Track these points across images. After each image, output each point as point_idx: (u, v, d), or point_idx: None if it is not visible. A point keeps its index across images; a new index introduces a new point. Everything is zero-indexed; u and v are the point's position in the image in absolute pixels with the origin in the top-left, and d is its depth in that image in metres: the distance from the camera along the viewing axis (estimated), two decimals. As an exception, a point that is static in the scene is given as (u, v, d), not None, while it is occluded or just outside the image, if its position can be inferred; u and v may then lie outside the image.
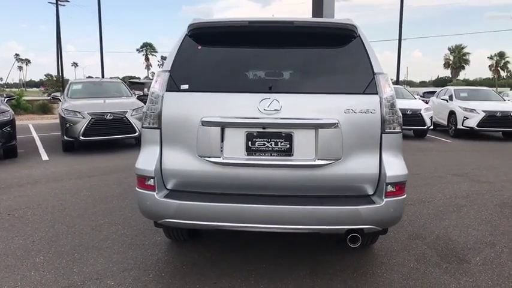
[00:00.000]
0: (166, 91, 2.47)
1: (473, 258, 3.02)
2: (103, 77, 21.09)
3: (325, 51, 2.58)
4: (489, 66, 57.86)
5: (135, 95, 9.96)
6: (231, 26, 2.56)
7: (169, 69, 2.51)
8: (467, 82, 54.27)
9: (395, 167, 2.37)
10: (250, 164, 2.39)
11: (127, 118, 8.09)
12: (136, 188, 2.52)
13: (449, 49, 58.78)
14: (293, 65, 2.60)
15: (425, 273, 2.77)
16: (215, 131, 2.39)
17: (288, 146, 2.37)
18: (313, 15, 25.44)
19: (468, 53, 57.71)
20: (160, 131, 2.46)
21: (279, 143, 2.37)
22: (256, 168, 2.40)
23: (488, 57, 57.88)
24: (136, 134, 8.13)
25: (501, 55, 55.53)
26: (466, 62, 58.23)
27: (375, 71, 2.43)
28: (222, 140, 2.40)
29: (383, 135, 2.37)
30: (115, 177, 5.73)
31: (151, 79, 7.45)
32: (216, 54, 2.66)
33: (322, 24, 2.50)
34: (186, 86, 2.48)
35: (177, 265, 2.90)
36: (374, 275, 2.73)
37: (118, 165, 6.54)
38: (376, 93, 2.38)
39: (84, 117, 7.72)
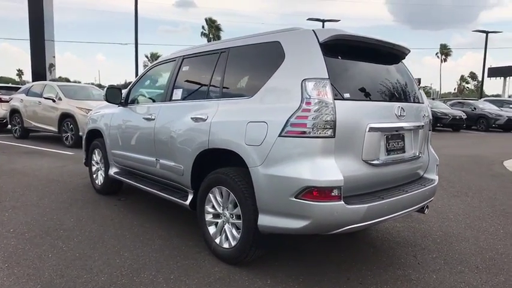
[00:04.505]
0: (333, 99, 2.44)
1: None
2: None
3: (403, 68, 3.26)
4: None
5: None
6: (365, 42, 2.78)
7: (327, 76, 2.47)
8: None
9: (435, 153, 3.44)
10: (389, 162, 2.80)
11: None
12: (313, 203, 2.36)
13: (146, 55, 64.40)
14: (395, 77, 3.10)
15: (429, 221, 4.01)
16: (378, 136, 2.65)
17: (403, 144, 2.95)
18: (30, 12, 22.00)
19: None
20: (334, 140, 2.43)
21: (398, 142, 2.91)
22: (392, 165, 2.84)
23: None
24: None
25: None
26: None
27: (417, 85, 3.39)
28: (379, 144, 2.69)
29: (429, 132, 3.38)
30: None
31: None
32: (352, 65, 2.78)
33: (403, 48, 3.16)
34: (348, 95, 2.55)
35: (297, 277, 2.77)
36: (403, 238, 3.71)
37: None
38: (423, 103, 3.35)
39: None
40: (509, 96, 35.33)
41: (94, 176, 5.18)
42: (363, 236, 3.71)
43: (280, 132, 2.50)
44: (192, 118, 3.24)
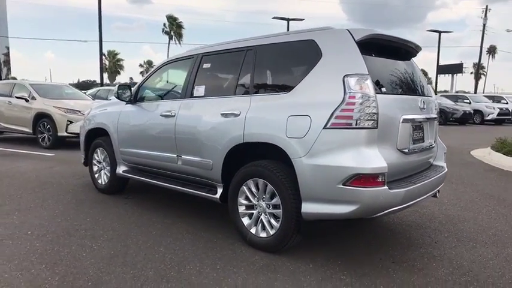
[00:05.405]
0: (375, 93, 2.66)
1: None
2: None
3: (414, 64, 3.51)
4: (140, 72, 65.71)
5: None
6: (392, 40, 3.02)
7: (367, 72, 2.68)
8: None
9: (442, 143, 3.77)
10: (415, 151, 3.07)
11: None
12: (360, 188, 2.56)
13: (103, 54, 62.48)
14: (413, 72, 3.33)
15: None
16: (409, 127, 2.91)
17: (422, 134, 3.23)
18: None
19: (122, 59, 63.22)
20: (377, 130, 2.64)
21: (420, 133, 3.19)
22: (415, 154, 3.11)
23: (140, 65, 65.84)
24: None
25: (149, 63, 64.70)
26: (121, 67, 63.62)
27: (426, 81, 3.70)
28: (409, 134, 2.94)
29: (436, 123, 3.70)
30: None
31: None
32: (381, 61, 3.00)
33: (418, 46, 3.42)
34: (384, 89, 2.77)
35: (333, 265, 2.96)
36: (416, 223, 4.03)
37: None
38: (432, 96, 3.66)
39: None
40: (457, 92, 37.85)
41: (96, 175, 5.09)
42: (376, 220, 3.98)
43: (325, 125, 2.68)
44: (222, 114, 3.33)
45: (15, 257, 3.02)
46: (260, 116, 3.08)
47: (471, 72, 52.65)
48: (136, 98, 4.43)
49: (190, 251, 3.19)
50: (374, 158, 2.61)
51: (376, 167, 2.59)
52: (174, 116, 3.80)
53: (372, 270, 2.85)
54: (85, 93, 12.11)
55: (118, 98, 4.37)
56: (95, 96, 12.44)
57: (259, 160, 3.17)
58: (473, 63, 54.43)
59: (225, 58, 3.67)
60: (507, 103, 21.41)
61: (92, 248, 3.23)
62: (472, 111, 19.74)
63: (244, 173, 3.21)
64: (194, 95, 3.76)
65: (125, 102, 4.51)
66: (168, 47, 51.39)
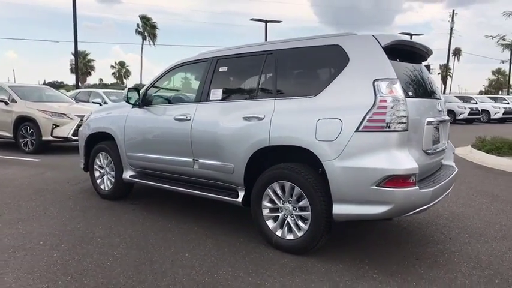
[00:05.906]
0: (405, 97, 2.74)
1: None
2: None
3: (425, 68, 3.63)
4: (112, 73, 64.07)
5: None
6: (413, 46, 3.13)
7: (396, 76, 2.76)
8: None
9: (451, 143, 3.93)
10: (435, 152, 3.19)
11: None
12: (394, 189, 2.64)
13: (72, 54, 60.55)
14: (427, 76, 3.44)
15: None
16: (432, 129, 3.03)
17: (438, 136, 3.36)
18: None
19: (93, 60, 61.38)
20: (407, 133, 2.73)
21: (436, 134, 3.31)
22: (435, 155, 3.23)
23: (111, 66, 64.08)
24: None
25: (122, 64, 63.20)
26: (92, 68, 61.79)
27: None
28: (431, 136, 3.06)
29: (448, 124, 3.84)
30: None
31: None
32: (404, 66, 3.08)
33: (431, 51, 3.55)
34: (410, 93, 2.87)
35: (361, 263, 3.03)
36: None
37: None
38: (441, 98, 3.81)
39: None
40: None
41: (98, 181, 4.94)
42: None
43: (357, 128, 2.74)
44: (244, 118, 3.34)
45: (36, 269, 2.91)
46: (287, 120, 3.11)
47: (438, 73, 54.82)
48: (144, 102, 4.35)
49: (217, 255, 3.17)
50: (406, 160, 2.70)
51: (409, 168, 2.67)
52: (190, 119, 3.77)
53: (400, 268, 2.94)
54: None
55: (126, 101, 4.27)
56: (75, 99, 12.03)
57: (278, 163, 3.21)
58: (440, 65, 56.68)
59: (244, 62, 3.67)
60: (476, 103, 22.45)
61: (114, 256, 3.15)
62: (444, 111, 20.53)
63: (269, 176, 3.23)
64: (211, 99, 3.73)
65: (131, 106, 4.42)
66: (142, 47, 50.56)
